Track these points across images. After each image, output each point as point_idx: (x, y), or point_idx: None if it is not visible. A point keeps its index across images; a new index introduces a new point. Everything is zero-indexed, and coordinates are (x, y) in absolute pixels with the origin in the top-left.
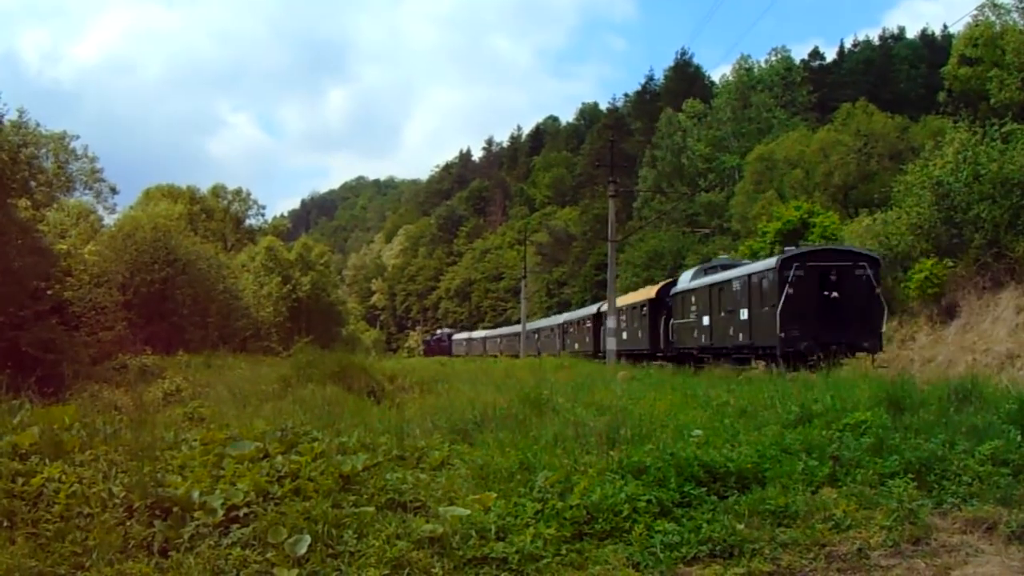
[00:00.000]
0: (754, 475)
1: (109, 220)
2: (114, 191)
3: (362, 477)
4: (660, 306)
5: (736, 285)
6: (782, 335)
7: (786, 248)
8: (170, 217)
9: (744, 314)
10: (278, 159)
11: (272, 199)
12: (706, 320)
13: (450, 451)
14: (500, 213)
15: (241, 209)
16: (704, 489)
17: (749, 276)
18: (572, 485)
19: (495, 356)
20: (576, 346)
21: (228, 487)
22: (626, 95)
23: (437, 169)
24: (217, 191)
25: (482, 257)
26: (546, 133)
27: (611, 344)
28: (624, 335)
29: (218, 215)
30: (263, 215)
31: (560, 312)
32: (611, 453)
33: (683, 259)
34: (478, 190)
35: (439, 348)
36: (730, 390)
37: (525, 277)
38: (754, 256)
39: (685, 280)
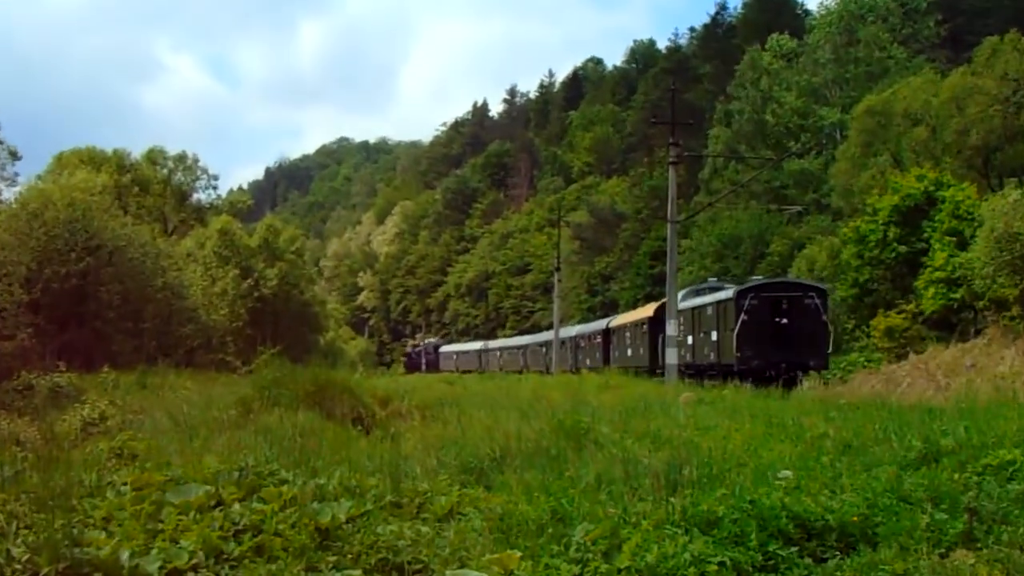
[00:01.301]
0: (862, 531)
1: (8, 194)
2: (14, 156)
3: (346, 531)
4: (658, 324)
5: (709, 310)
6: (738, 355)
7: (742, 282)
8: (91, 191)
9: (714, 336)
10: (234, 115)
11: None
12: (690, 340)
13: (461, 496)
14: (526, 185)
15: (186, 180)
16: (795, 549)
17: (717, 303)
18: (620, 542)
19: (517, 372)
20: (588, 362)
21: (168, 546)
22: (691, 30)
23: (443, 129)
24: (154, 157)
25: (503, 243)
26: (586, 80)
27: (671, 356)
28: (628, 351)
29: (156, 188)
30: (215, 188)
31: (607, 315)
32: (671, 500)
33: (766, 246)
34: (497, 156)
35: (424, 363)
36: (828, 418)
37: (559, 270)
38: (861, 242)
39: (678, 301)
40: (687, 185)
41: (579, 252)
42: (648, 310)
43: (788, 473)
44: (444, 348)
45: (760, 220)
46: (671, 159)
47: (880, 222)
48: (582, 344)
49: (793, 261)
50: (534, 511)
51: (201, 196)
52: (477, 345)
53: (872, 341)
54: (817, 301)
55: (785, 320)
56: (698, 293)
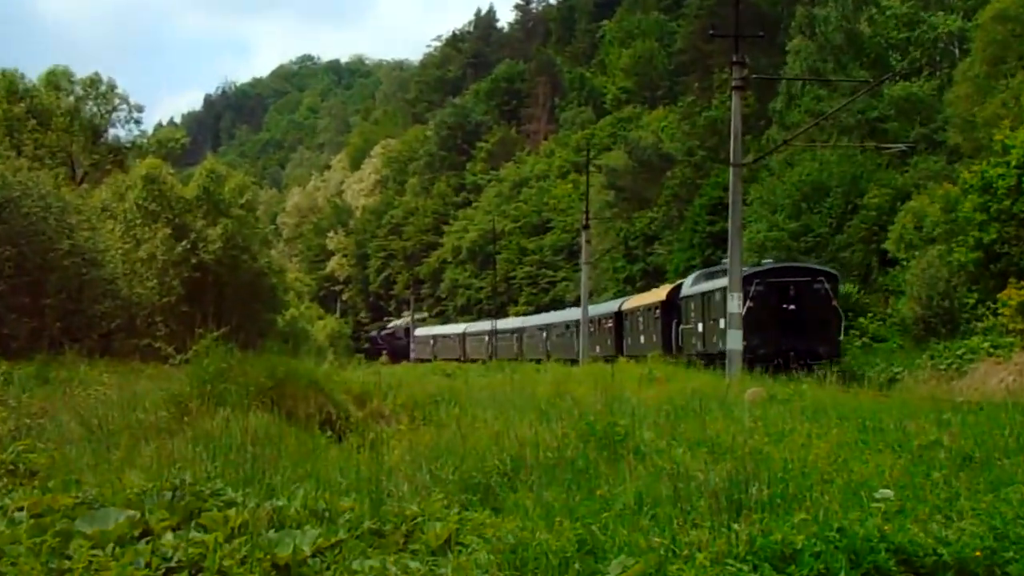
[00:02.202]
0: (987, 570)
1: None
2: None
3: (312, 567)
4: (671, 309)
5: (717, 296)
6: (744, 343)
7: (745, 269)
8: None
9: (723, 323)
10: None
11: (154, 95)
12: (700, 327)
13: (461, 522)
14: (545, 119)
15: (100, 112)
16: None
17: (725, 289)
18: None
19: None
20: (597, 349)
21: None
22: None
23: (437, 45)
24: (56, 80)
25: (514, 194)
26: None
27: (734, 341)
28: (641, 338)
29: (59, 122)
30: (139, 123)
31: (650, 287)
32: (735, 527)
33: (860, 196)
34: (507, 80)
35: (390, 350)
36: (941, 422)
37: (587, 227)
38: (986, 190)
39: (688, 284)
40: (756, 117)
41: (614, 205)
42: (660, 293)
43: (888, 493)
44: (419, 331)
45: (852, 163)
46: (735, 83)
47: (1013, 164)
48: (591, 329)
49: (895, 216)
50: (556, 541)
51: (120, 133)
52: (458, 328)
53: (1000, 321)
54: (827, 286)
55: (793, 306)
56: (709, 277)
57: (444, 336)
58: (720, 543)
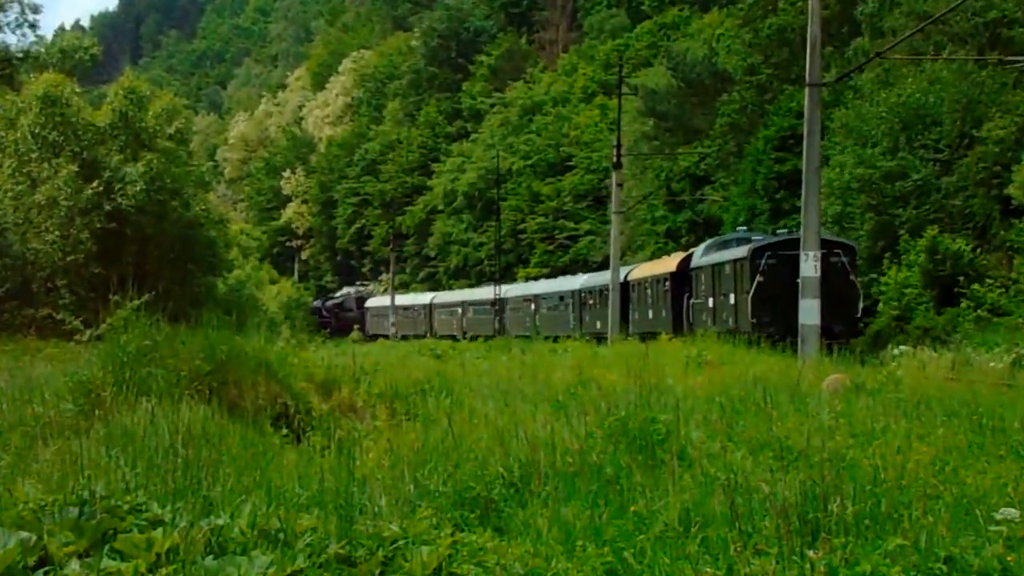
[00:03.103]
0: None
1: None
2: None
3: None
4: (682, 281)
5: (727, 269)
6: (754, 320)
7: (753, 238)
8: None
9: (732, 299)
10: None
11: None
12: (711, 302)
13: (455, 545)
14: (565, 25)
15: None
16: None
17: (735, 261)
18: None
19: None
20: (597, 324)
21: None
22: None
23: None
24: None
25: (525, 124)
26: None
27: (808, 312)
28: (649, 313)
29: None
30: (34, 26)
31: (698, 240)
32: (809, 554)
33: (977, 125)
34: None
35: (339, 325)
36: None
37: (619, 166)
38: None
39: (699, 254)
40: (839, 23)
41: (653, 137)
42: (670, 263)
43: (1013, 512)
44: (373, 302)
45: (967, 82)
46: None
47: None
48: (591, 301)
49: None
50: (578, 571)
51: (9, 40)
52: (423, 299)
53: None
54: (844, 259)
55: None
56: (721, 247)
57: (406, 308)
58: None
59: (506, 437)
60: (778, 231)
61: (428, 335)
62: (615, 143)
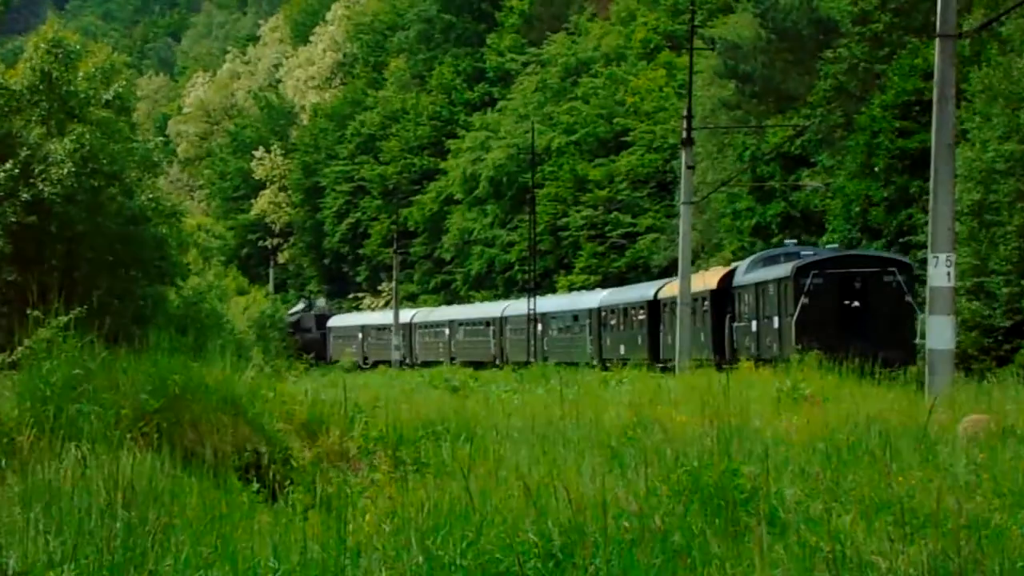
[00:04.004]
0: None
1: None
2: None
3: None
4: (724, 300)
5: (771, 289)
6: (798, 347)
7: (801, 253)
8: None
9: (776, 322)
10: None
11: None
12: (754, 325)
13: None
14: None
15: None
16: None
17: (778, 280)
18: None
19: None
20: (621, 350)
21: None
22: None
23: None
24: None
25: (567, 88)
26: None
27: (940, 335)
28: (687, 337)
29: None
30: None
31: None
32: None
33: None
34: None
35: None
36: None
37: (690, 143)
38: None
39: (742, 271)
40: None
41: (734, 106)
42: (710, 278)
43: None
44: (338, 321)
45: None
46: None
47: None
48: (611, 322)
49: None
50: None
51: None
52: (401, 316)
53: None
54: (899, 278)
55: (857, 303)
56: (767, 262)
57: (379, 329)
58: None
59: (543, 494)
60: (827, 245)
61: (407, 361)
62: (685, 113)
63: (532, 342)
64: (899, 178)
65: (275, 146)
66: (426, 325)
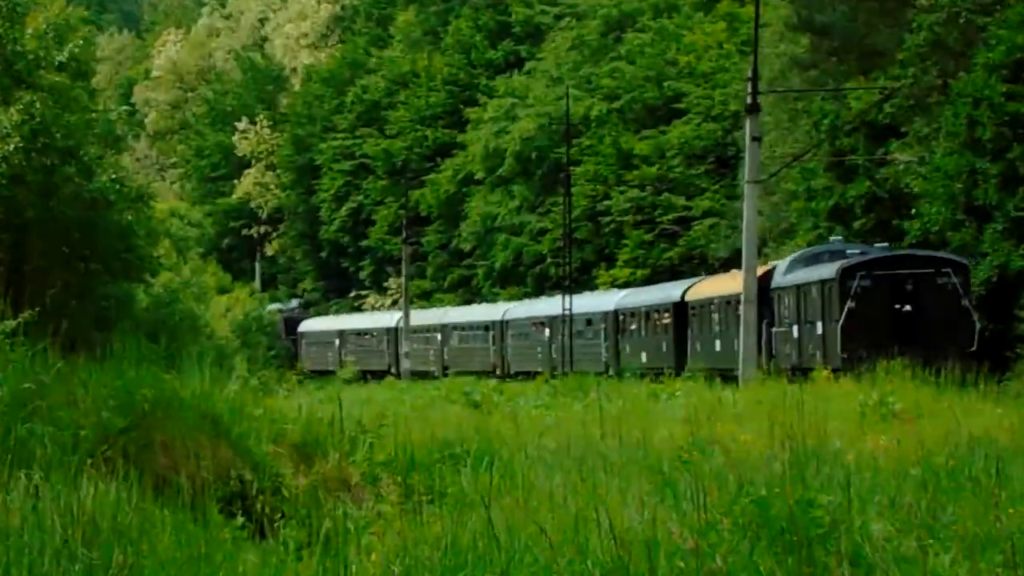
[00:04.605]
0: None
1: None
2: None
3: None
4: (760, 302)
5: (814, 291)
6: (844, 355)
7: (848, 251)
8: None
9: (819, 328)
10: None
11: None
12: (795, 331)
13: None
14: None
15: None
16: None
17: (822, 282)
18: None
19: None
20: (643, 357)
21: None
22: None
23: None
24: None
25: (608, 45)
26: None
27: None
28: (717, 343)
29: None
30: None
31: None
32: None
33: None
34: None
35: None
36: None
37: (755, 109)
38: None
39: (781, 271)
40: None
41: (810, 65)
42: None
43: None
44: (311, 325)
45: None
46: None
47: None
48: (631, 327)
49: None
50: None
51: None
52: (385, 319)
53: None
54: (955, 280)
55: (909, 307)
56: (811, 261)
57: (359, 334)
58: None
59: (582, 528)
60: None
61: (392, 370)
62: (749, 74)
63: (552, 348)
64: (1008, 151)
65: (261, 117)
66: (414, 330)
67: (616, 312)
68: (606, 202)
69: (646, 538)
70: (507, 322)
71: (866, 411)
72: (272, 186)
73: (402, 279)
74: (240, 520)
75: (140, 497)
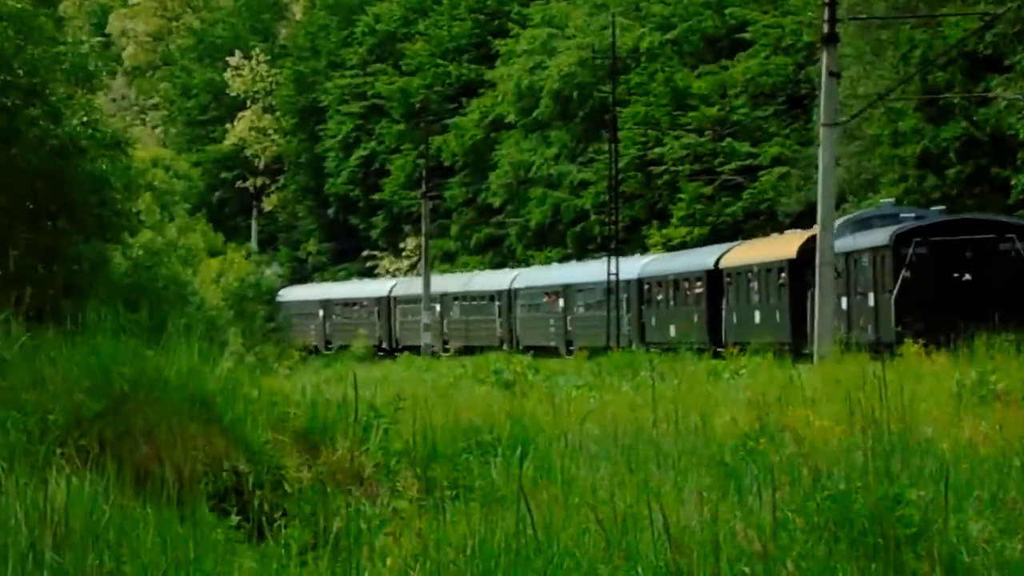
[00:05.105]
0: None
1: None
2: None
3: None
4: (804, 272)
5: (865, 259)
6: (898, 328)
7: (901, 215)
8: None
9: (871, 299)
10: None
11: None
12: (844, 303)
13: None
14: None
15: None
16: None
17: (873, 249)
18: None
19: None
20: (672, 331)
21: None
22: None
23: None
24: None
25: None
26: None
27: None
28: (756, 315)
29: None
30: None
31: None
32: None
33: None
34: None
35: None
36: None
37: (833, 40)
38: None
39: None
40: None
41: None
42: (787, 245)
43: None
44: (288, 295)
45: None
46: None
47: None
48: (657, 297)
49: None
50: None
51: None
52: (376, 287)
53: None
54: (1019, 246)
55: (969, 276)
56: (861, 226)
57: (347, 305)
58: None
59: (631, 528)
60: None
61: (384, 345)
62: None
63: (568, 320)
64: None
65: (257, 50)
66: (410, 300)
67: (640, 281)
68: (658, 149)
69: (706, 539)
70: (515, 291)
71: (962, 392)
72: (270, 131)
73: (421, 239)
74: (235, 519)
75: (119, 492)
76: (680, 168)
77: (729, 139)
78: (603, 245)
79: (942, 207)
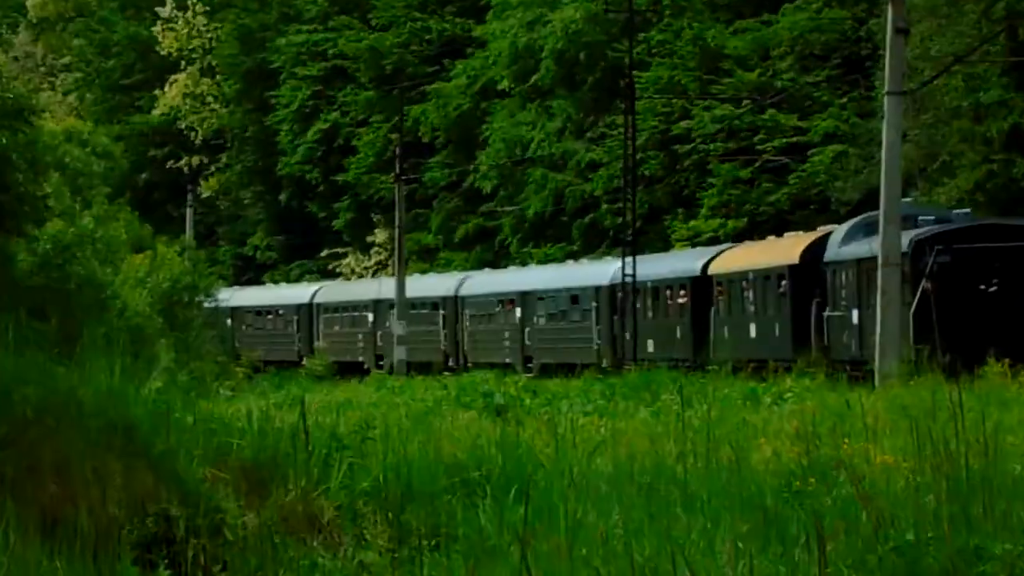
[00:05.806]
0: None
1: None
2: None
3: None
4: (808, 280)
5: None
6: (917, 347)
7: (920, 219)
8: None
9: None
10: None
11: None
12: (855, 315)
13: None
14: None
15: None
16: None
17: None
18: None
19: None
20: (650, 346)
21: None
22: None
23: None
24: None
25: None
26: None
27: None
28: (751, 328)
29: None
30: None
31: None
32: None
33: None
34: None
35: None
36: None
37: None
38: None
39: (836, 242)
40: None
41: None
42: (788, 249)
43: None
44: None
45: None
46: None
47: None
48: (635, 307)
49: None
50: None
51: None
52: (295, 293)
53: None
54: None
55: (995, 287)
56: (875, 229)
57: (259, 313)
58: None
59: None
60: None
61: (303, 361)
62: None
63: (525, 334)
64: None
65: (191, 4)
66: (337, 308)
67: (613, 287)
68: (684, 123)
69: None
70: (463, 299)
71: None
72: (209, 99)
73: (395, 230)
74: (164, 574)
75: (20, 542)
76: (711, 146)
77: (772, 110)
78: (617, 240)
79: (967, 210)
